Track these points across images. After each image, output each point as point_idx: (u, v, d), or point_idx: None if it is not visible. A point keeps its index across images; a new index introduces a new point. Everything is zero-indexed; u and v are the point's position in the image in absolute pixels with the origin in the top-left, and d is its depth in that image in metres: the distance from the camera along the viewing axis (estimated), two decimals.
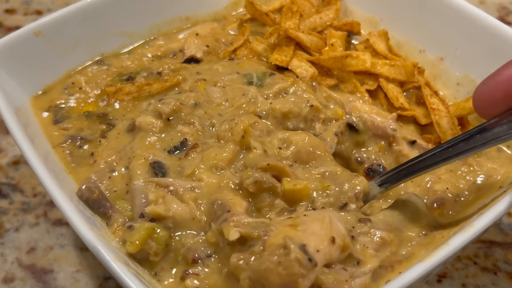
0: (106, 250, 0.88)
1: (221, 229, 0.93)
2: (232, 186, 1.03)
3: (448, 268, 1.23)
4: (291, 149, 1.09)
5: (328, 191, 1.05)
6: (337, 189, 1.05)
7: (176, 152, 1.11)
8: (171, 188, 1.04)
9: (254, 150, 1.08)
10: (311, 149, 1.09)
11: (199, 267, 0.97)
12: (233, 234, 0.90)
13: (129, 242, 0.95)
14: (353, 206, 1.04)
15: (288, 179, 1.02)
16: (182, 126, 1.14)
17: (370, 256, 0.97)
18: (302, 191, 1.01)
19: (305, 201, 1.02)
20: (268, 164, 1.01)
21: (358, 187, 1.05)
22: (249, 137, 1.09)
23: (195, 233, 1.00)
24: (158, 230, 0.97)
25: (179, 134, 1.13)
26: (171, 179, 1.05)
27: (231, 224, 0.92)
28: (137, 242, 0.95)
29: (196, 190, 1.03)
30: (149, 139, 1.13)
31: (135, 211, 1.03)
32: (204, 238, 0.99)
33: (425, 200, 1.11)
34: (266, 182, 0.99)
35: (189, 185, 1.04)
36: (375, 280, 0.97)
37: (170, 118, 1.14)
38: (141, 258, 0.98)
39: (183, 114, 1.15)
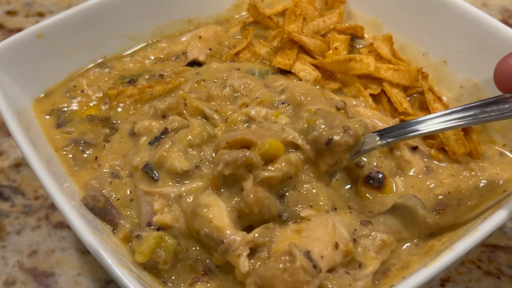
0: (107, 254, 0.88)
1: (228, 260, 0.92)
2: (206, 172, 1.00)
3: (452, 272, 1.23)
4: (284, 93, 1.08)
5: (314, 126, 0.99)
6: (324, 125, 0.99)
7: (154, 143, 1.09)
8: (164, 198, 1.02)
9: (214, 121, 1.06)
10: (305, 91, 1.07)
11: (208, 276, 0.97)
12: (245, 268, 0.89)
13: (138, 251, 0.94)
14: (337, 138, 0.97)
15: (258, 142, 0.96)
16: (173, 116, 1.13)
17: (371, 259, 0.98)
18: (270, 149, 0.95)
19: (281, 154, 0.96)
20: (227, 143, 0.97)
21: (349, 125, 0.99)
22: (188, 101, 1.07)
23: (199, 248, 0.99)
24: (167, 239, 0.96)
25: (161, 123, 1.12)
26: (159, 189, 1.03)
27: (237, 255, 0.90)
28: (146, 251, 0.94)
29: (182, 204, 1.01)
30: (145, 140, 1.12)
31: (142, 220, 1.02)
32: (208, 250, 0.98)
33: (425, 202, 1.10)
34: (238, 160, 0.92)
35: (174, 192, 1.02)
36: (375, 284, 0.98)
37: (165, 115, 1.14)
38: (150, 266, 0.98)
39: (177, 110, 1.14)
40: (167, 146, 1.05)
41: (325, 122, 0.99)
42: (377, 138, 1.05)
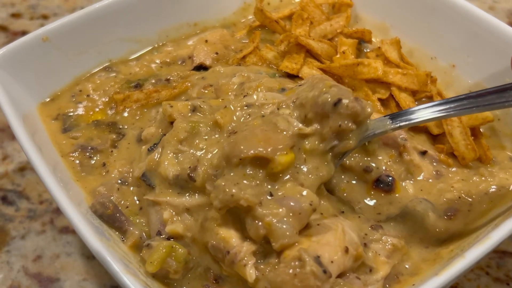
0: (114, 261, 0.88)
1: (235, 271, 0.91)
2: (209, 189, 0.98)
3: (460, 279, 1.22)
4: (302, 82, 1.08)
5: (328, 91, 0.96)
6: (336, 92, 0.96)
7: (152, 150, 1.07)
8: (172, 207, 1.01)
9: (202, 109, 1.06)
10: (323, 78, 1.05)
11: (218, 283, 0.97)
12: (252, 277, 0.89)
13: (149, 261, 0.94)
14: (345, 100, 0.93)
15: (275, 157, 0.93)
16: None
17: (382, 263, 0.97)
18: (283, 169, 0.94)
19: (292, 166, 0.95)
20: (240, 159, 0.92)
21: (361, 98, 0.96)
22: (172, 104, 1.07)
23: (210, 258, 0.98)
24: (177, 248, 0.95)
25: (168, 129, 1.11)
26: (165, 199, 1.01)
27: (243, 265, 0.90)
28: (157, 261, 0.94)
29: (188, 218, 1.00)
30: (144, 149, 1.10)
31: (151, 228, 1.02)
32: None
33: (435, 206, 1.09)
34: (228, 204, 0.90)
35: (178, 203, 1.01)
36: None
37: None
38: (161, 276, 0.97)
39: (167, 115, 1.11)
40: (156, 151, 1.04)
41: (339, 91, 0.96)
42: (389, 122, 1.02)
